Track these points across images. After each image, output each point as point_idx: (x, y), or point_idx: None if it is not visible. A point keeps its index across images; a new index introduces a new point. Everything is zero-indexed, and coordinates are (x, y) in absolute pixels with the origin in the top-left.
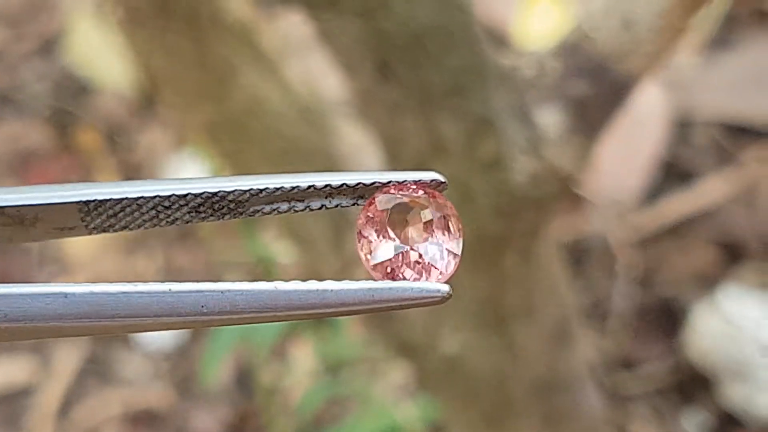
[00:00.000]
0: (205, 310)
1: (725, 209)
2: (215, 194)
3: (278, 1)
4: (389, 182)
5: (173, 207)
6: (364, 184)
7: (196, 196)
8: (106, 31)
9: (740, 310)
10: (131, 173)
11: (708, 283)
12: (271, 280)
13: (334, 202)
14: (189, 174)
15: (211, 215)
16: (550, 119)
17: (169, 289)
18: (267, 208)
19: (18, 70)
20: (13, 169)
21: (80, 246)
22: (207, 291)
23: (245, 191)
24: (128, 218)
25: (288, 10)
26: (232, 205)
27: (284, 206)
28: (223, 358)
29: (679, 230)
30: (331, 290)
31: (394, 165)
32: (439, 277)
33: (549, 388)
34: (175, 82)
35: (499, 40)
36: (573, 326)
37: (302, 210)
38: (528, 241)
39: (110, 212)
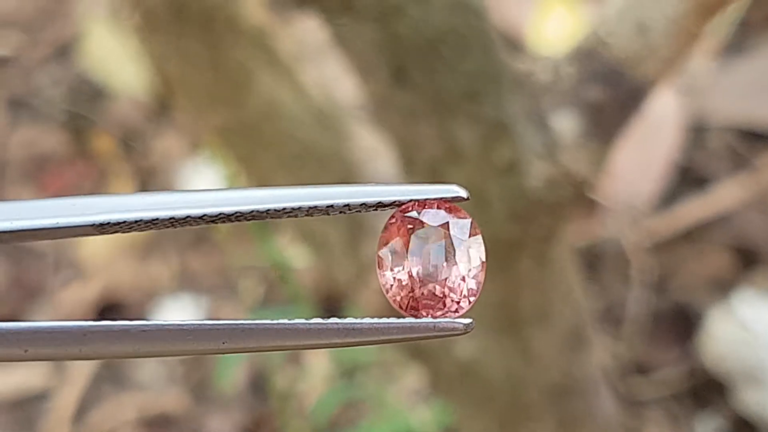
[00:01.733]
0: (225, 345)
1: (740, 214)
2: (231, 214)
3: (293, 6)
4: (410, 200)
5: (189, 223)
6: (383, 203)
7: (212, 216)
8: (121, 36)
9: (755, 315)
10: (146, 178)
11: (723, 287)
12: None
13: (354, 210)
14: (204, 181)
15: (229, 223)
16: (566, 124)
17: (189, 326)
18: (284, 216)
19: (33, 75)
20: (29, 173)
21: (95, 251)
22: (227, 327)
23: (263, 211)
24: (142, 230)
25: (303, 16)
26: (249, 219)
27: (302, 214)
28: (238, 363)
29: (693, 235)
30: (353, 328)
31: (409, 170)
32: (462, 305)
33: (563, 393)
34: (191, 86)
35: (515, 45)
36: (587, 331)
37: (321, 215)
38: (543, 245)
39: (125, 228)
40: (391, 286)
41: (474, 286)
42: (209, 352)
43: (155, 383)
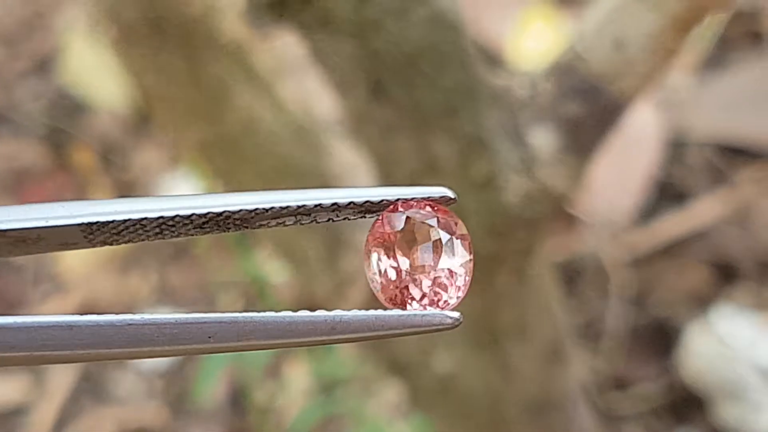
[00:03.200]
0: (212, 340)
1: (719, 229)
2: (220, 214)
3: (272, 21)
4: (397, 200)
5: (177, 226)
6: (371, 202)
7: (200, 216)
8: (101, 50)
9: (733, 330)
10: (126, 192)
11: (701, 303)
12: (279, 310)
13: (342, 215)
14: (185, 193)
15: (216, 230)
16: (543, 139)
17: (176, 320)
18: (273, 222)
19: (13, 88)
20: (8, 187)
21: (75, 264)
22: (214, 321)
23: (251, 210)
24: (131, 235)
25: (281, 31)
26: (237, 222)
27: (290, 220)
28: (217, 377)
29: (672, 250)
30: (341, 320)
31: (388, 184)
32: (450, 300)
33: (542, 408)
34: (169, 101)
35: (494, 59)
36: (566, 346)
37: (309, 222)
38: (521, 260)
39: (113, 231)
40: (379, 281)
41: (462, 283)
42: (195, 351)
43: (134, 397)
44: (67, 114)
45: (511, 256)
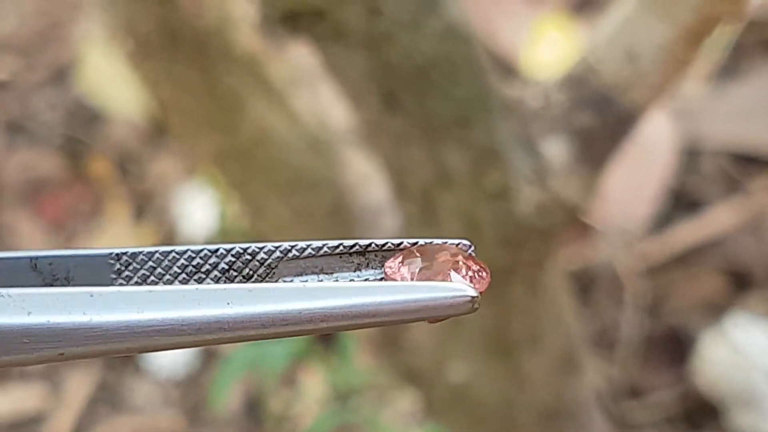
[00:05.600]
0: (232, 310)
1: (733, 238)
2: (245, 250)
3: (285, 33)
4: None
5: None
6: (393, 244)
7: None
8: (118, 60)
9: (748, 339)
10: (142, 202)
11: (716, 311)
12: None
13: (363, 275)
14: (199, 204)
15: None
16: (556, 150)
17: (196, 288)
18: (296, 281)
19: (30, 99)
20: (26, 197)
21: None
22: (234, 290)
23: (274, 249)
24: (156, 276)
25: (295, 43)
26: (260, 270)
27: (313, 278)
28: (232, 386)
29: (687, 259)
30: (365, 288)
31: (401, 195)
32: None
33: (555, 417)
34: (184, 112)
35: (508, 69)
36: (579, 355)
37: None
38: (534, 270)
39: (140, 268)
40: (400, 276)
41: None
42: (214, 328)
43: (150, 405)
44: (83, 124)
45: (524, 267)
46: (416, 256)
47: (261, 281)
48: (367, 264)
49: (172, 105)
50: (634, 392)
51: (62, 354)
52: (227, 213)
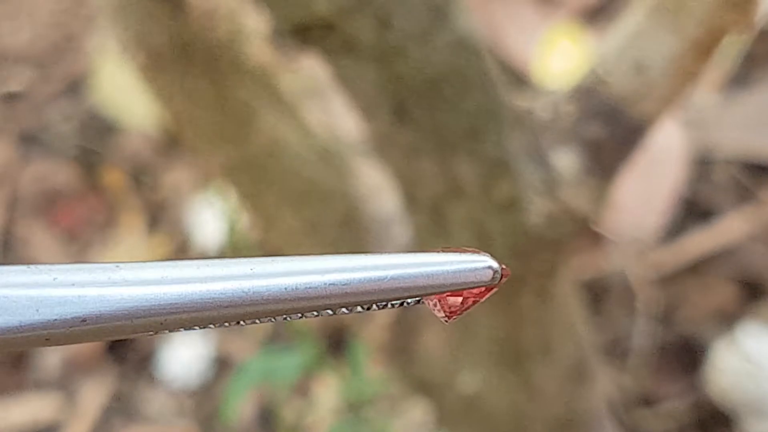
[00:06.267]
0: (253, 272)
1: (745, 247)
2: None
3: (296, 46)
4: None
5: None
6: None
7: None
8: (131, 72)
9: (760, 348)
10: (156, 212)
11: (728, 320)
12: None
13: (383, 301)
14: (212, 215)
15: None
16: (566, 161)
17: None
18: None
19: (44, 110)
20: (40, 208)
21: None
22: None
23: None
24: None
25: (306, 55)
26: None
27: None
28: (245, 396)
29: (699, 268)
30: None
31: (412, 207)
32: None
33: (567, 427)
34: (196, 125)
35: (519, 79)
36: (590, 365)
37: (352, 308)
38: (545, 281)
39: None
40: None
41: None
42: (237, 294)
43: (164, 416)
44: (97, 135)
45: (535, 277)
46: None
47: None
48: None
49: (184, 117)
50: (646, 401)
51: (84, 321)
52: (239, 224)
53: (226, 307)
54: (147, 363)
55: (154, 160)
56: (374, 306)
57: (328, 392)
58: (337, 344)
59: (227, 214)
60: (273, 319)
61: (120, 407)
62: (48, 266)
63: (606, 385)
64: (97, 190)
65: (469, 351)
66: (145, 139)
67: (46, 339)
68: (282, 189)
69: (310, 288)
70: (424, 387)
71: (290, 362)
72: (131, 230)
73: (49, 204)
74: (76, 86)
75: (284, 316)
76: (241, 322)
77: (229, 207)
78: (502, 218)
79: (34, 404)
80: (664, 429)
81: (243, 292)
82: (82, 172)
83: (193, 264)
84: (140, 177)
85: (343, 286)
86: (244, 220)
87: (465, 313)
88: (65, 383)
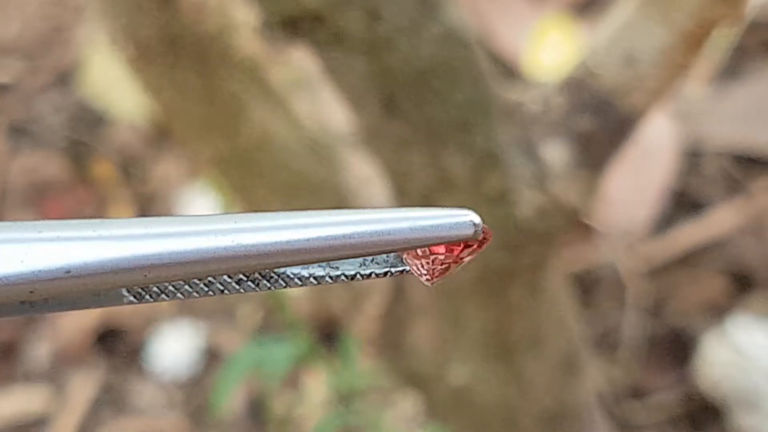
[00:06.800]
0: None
1: (735, 239)
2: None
3: (285, 38)
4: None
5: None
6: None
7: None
8: (121, 64)
9: (750, 340)
10: (145, 204)
11: (718, 312)
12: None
13: (368, 271)
14: (202, 207)
15: (248, 283)
16: (556, 154)
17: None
18: (304, 273)
19: (34, 102)
20: (30, 200)
21: None
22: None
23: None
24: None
25: (295, 48)
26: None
27: (320, 271)
28: (235, 388)
29: (689, 260)
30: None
31: (402, 199)
32: None
33: (557, 419)
34: (185, 117)
35: (509, 71)
36: (580, 357)
37: (337, 277)
38: (534, 273)
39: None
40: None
41: None
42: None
43: (154, 408)
44: (86, 127)
45: (525, 270)
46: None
47: (269, 271)
48: (372, 260)
49: (174, 110)
50: (636, 393)
51: (69, 272)
52: None
53: (210, 260)
54: (136, 355)
55: (143, 152)
56: (358, 275)
57: (318, 384)
58: (327, 336)
59: (218, 204)
60: (256, 282)
61: (109, 399)
62: (33, 222)
63: (596, 377)
64: (86, 182)
65: (459, 344)
66: (135, 131)
67: (30, 292)
68: (271, 181)
69: (292, 242)
70: (414, 379)
71: (281, 353)
72: None
73: (38, 196)
74: (65, 78)
75: (267, 270)
76: (224, 279)
77: (220, 198)
78: (492, 211)
79: (23, 396)
80: (654, 421)
81: (226, 245)
82: (72, 163)
83: (178, 220)
84: (130, 169)
85: (325, 240)
86: (234, 212)
87: (448, 273)
88: (54, 375)
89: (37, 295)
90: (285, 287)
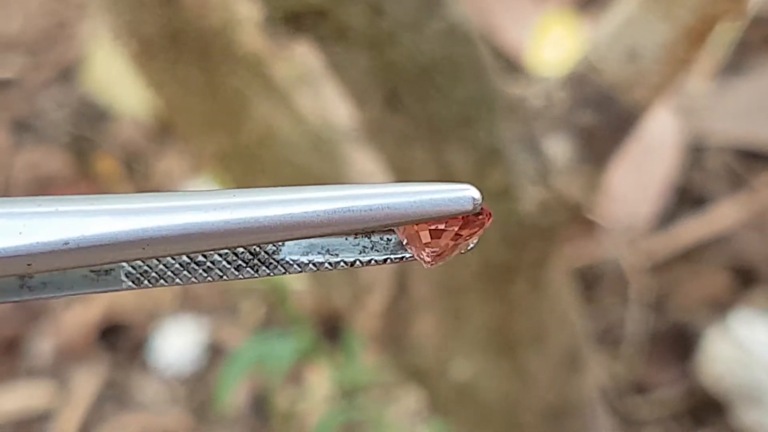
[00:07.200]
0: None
1: (738, 234)
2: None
3: (288, 33)
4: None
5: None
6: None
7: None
8: (123, 59)
9: (752, 335)
10: None
11: (720, 307)
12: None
13: (367, 258)
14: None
15: (247, 269)
16: (558, 149)
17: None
18: (304, 260)
19: (37, 97)
20: (32, 195)
21: None
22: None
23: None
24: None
25: (298, 43)
26: (268, 247)
27: (319, 258)
28: (239, 383)
29: (691, 255)
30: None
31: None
32: None
33: (560, 414)
34: (188, 113)
35: (512, 66)
36: (583, 353)
37: (336, 263)
38: (537, 269)
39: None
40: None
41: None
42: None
43: (157, 404)
44: (89, 122)
45: (527, 265)
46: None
47: (268, 257)
48: (372, 247)
49: (177, 105)
50: (639, 389)
51: (67, 243)
52: None
53: (208, 234)
54: (140, 350)
55: (146, 148)
56: (357, 261)
57: (321, 380)
58: (330, 332)
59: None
60: (255, 268)
61: (113, 395)
62: (32, 197)
63: (598, 372)
64: (89, 177)
65: (461, 339)
66: (138, 127)
67: (28, 265)
68: (274, 176)
69: (290, 216)
70: (417, 375)
71: (283, 349)
72: None
73: (41, 191)
74: (68, 74)
75: (266, 256)
76: (223, 265)
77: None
78: (495, 206)
79: (26, 392)
80: (656, 416)
81: (224, 218)
82: (75, 159)
83: (176, 195)
84: (132, 164)
85: (325, 214)
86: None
87: (447, 255)
88: (58, 371)
89: (34, 268)
90: (284, 273)
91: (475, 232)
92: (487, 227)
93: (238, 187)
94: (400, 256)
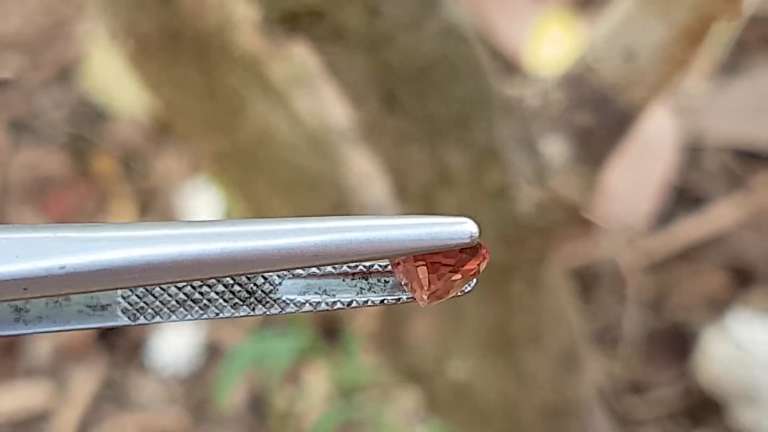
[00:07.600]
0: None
1: (736, 234)
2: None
3: (285, 34)
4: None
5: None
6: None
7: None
8: (121, 59)
9: (750, 334)
10: (147, 199)
11: (718, 307)
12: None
13: (364, 298)
14: (203, 203)
15: (244, 307)
16: (555, 149)
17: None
18: (300, 299)
19: (35, 97)
20: (31, 195)
21: None
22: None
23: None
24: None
25: (295, 44)
26: (265, 286)
27: (316, 298)
28: (237, 383)
29: (689, 255)
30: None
31: (402, 195)
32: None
33: (558, 414)
34: (186, 113)
35: (509, 66)
36: (581, 352)
37: (333, 303)
38: (534, 268)
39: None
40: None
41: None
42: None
43: (155, 403)
44: (88, 122)
45: (525, 265)
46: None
47: (265, 296)
48: (369, 288)
49: (174, 105)
50: (637, 388)
51: (63, 268)
52: (231, 211)
53: (205, 263)
54: (138, 350)
55: (144, 147)
56: (354, 302)
57: (319, 379)
58: (328, 332)
59: (219, 200)
60: (252, 306)
61: (111, 395)
62: (30, 224)
63: (596, 372)
64: (87, 177)
65: (459, 339)
66: (136, 126)
67: (24, 289)
68: (272, 177)
69: (288, 246)
70: (414, 375)
71: (282, 348)
72: (122, 217)
73: (39, 191)
74: (66, 73)
75: (263, 295)
76: (220, 303)
77: (221, 193)
78: (492, 206)
79: (24, 392)
80: (653, 416)
81: (221, 248)
82: (73, 159)
83: (174, 224)
84: (131, 164)
85: (322, 245)
86: (235, 207)
87: (445, 294)
88: (56, 371)
89: (30, 291)
90: (280, 312)
91: (473, 269)
92: (484, 267)
93: (236, 186)
94: (397, 297)
